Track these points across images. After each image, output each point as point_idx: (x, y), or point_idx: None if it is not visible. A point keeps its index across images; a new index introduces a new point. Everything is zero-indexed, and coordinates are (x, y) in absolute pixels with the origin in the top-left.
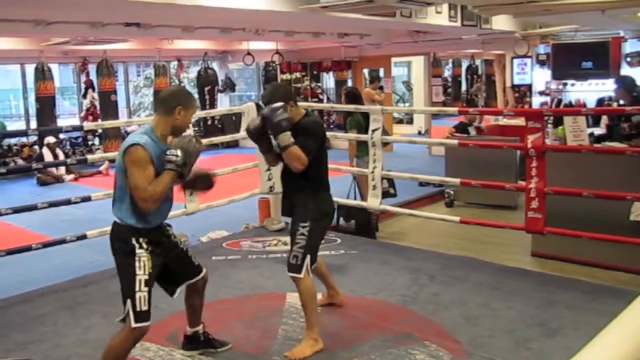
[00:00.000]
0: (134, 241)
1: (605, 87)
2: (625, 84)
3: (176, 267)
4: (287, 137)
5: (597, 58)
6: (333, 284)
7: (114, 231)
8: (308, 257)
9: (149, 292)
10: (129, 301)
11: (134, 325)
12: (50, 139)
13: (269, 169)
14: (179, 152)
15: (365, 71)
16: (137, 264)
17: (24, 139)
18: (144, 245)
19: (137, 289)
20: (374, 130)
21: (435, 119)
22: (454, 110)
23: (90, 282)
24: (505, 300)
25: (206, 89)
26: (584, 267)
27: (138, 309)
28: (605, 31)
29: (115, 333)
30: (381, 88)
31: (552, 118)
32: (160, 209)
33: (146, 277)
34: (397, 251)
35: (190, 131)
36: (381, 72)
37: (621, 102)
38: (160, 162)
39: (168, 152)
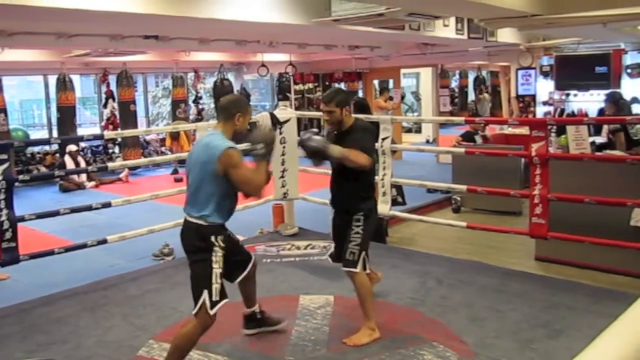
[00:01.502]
0: (212, 239)
1: None
2: (612, 97)
3: (234, 255)
4: (336, 150)
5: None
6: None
7: (193, 230)
8: (364, 253)
9: (222, 284)
10: (205, 292)
11: (211, 312)
12: (72, 147)
13: (282, 176)
14: (262, 145)
15: (376, 82)
16: (214, 258)
17: (46, 147)
18: (221, 244)
19: (213, 280)
20: (384, 139)
21: (442, 128)
22: (461, 120)
23: (110, 285)
24: (510, 302)
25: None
26: (586, 271)
27: (214, 298)
28: (606, 44)
29: (184, 322)
30: (391, 98)
31: (555, 127)
32: (232, 207)
33: (220, 270)
34: (406, 255)
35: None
36: (390, 83)
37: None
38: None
39: (253, 147)
